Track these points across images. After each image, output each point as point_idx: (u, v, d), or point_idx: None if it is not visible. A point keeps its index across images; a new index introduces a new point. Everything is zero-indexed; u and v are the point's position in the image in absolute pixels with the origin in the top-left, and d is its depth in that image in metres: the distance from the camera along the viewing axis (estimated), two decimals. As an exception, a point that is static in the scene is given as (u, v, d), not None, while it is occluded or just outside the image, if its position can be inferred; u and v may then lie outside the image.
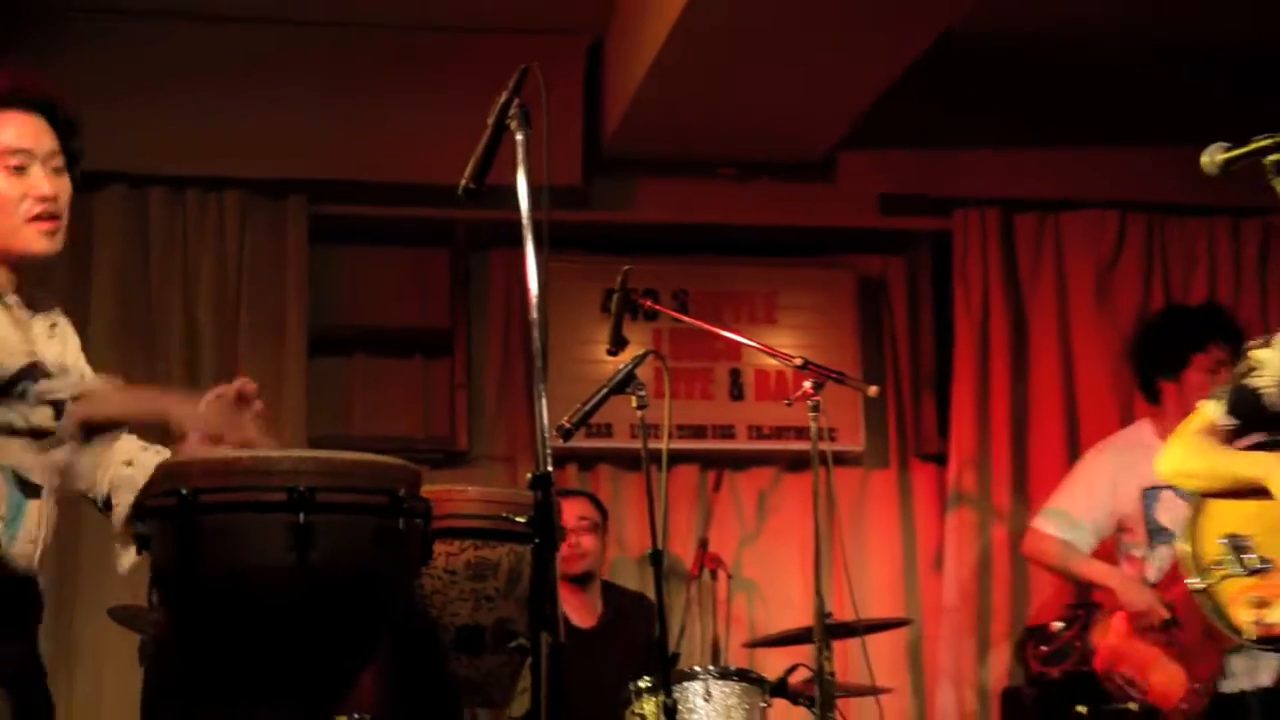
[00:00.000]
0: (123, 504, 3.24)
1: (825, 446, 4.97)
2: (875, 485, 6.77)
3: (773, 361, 5.93)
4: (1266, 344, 3.83)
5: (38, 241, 3.08)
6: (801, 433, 5.52)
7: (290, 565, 3.09)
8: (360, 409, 6.47)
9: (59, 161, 3.13)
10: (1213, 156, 3.17)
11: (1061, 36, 6.36)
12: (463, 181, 3.11)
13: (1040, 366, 6.66)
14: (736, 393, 6.65)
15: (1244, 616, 3.79)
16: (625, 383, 4.63)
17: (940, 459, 6.74)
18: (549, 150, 3.01)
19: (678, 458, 6.22)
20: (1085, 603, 5.72)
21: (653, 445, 4.76)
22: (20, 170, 3.05)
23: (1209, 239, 6.79)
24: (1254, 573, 3.79)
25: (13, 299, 3.09)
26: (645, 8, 5.87)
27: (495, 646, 3.96)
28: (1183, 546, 3.97)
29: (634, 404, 4.63)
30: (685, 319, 5.72)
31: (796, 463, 6.48)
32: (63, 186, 3.12)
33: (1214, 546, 3.86)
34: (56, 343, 3.22)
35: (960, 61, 6.00)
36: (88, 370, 3.30)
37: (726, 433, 6.61)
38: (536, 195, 2.97)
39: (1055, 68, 6.49)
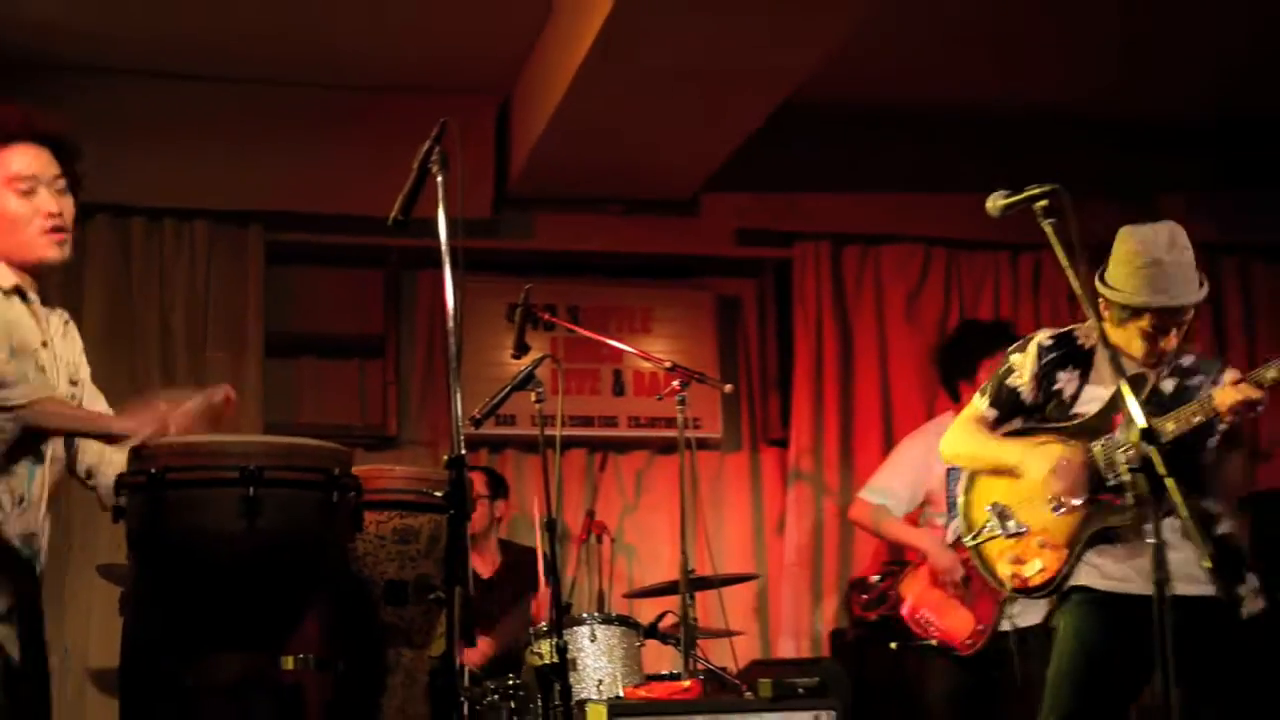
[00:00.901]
0: (107, 477, 3.23)
1: (690, 434, 5.08)
2: (730, 466, 6.81)
3: (647, 364, 5.97)
4: (1022, 349, 3.92)
5: (51, 250, 3.12)
6: (670, 422, 5.53)
7: (241, 531, 3.11)
8: (308, 402, 6.44)
9: (62, 184, 3.15)
10: (995, 202, 3.26)
11: (879, 104, 6.48)
12: (393, 214, 3.09)
13: (862, 369, 6.71)
14: (618, 389, 6.68)
15: (1004, 571, 3.85)
16: (526, 381, 4.69)
17: (783, 444, 6.77)
18: (463, 189, 3.02)
19: (569, 443, 6.18)
20: (897, 560, 5.77)
21: (549, 432, 4.84)
22: (29, 193, 3.08)
23: (995, 268, 6.87)
24: (1013, 536, 3.84)
25: (34, 297, 3.13)
26: (544, 74, 5.90)
27: (417, 598, 3.91)
28: (963, 515, 4.02)
29: (533, 399, 4.69)
30: (576, 329, 5.68)
31: (666, 447, 6.54)
32: (66, 204, 3.16)
33: (981, 514, 3.92)
34: (70, 341, 3.26)
35: (799, 122, 6.03)
36: (86, 368, 3.32)
37: (610, 422, 6.65)
38: (453, 226, 2.99)
39: (875, 128, 6.59)
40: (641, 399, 6.65)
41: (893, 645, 5.45)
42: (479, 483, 5.76)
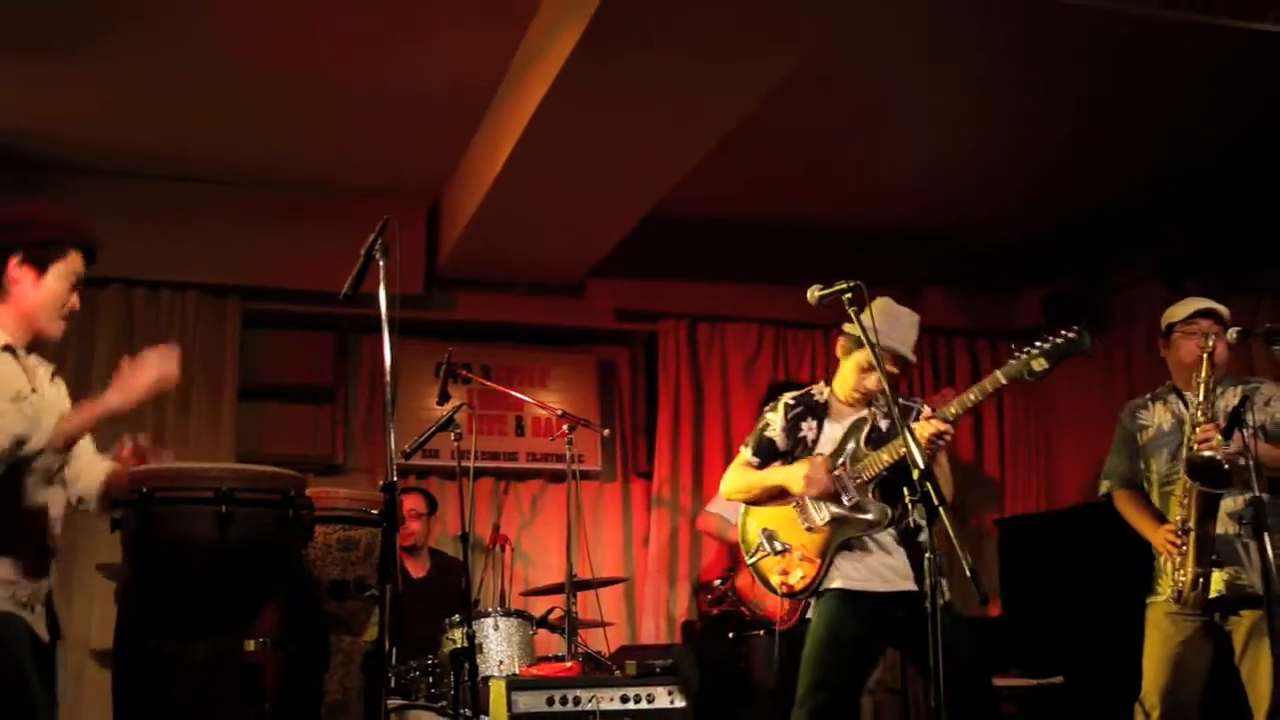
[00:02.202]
0: (86, 492, 3.16)
1: (575, 467, 5.17)
2: (606, 492, 6.79)
3: (543, 412, 5.96)
4: (774, 408, 4.01)
5: (57, 330, 3.08)
6: (560, 458, 5.49)
7: (215, 540, 3.14)
8: (272, 437, 6.34)
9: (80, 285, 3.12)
10: (813, 293, 3.31)
11: (724, 214, 6.55)
12: (344, 289, 3.09)
13: (710, 419, 6.73)
14: (519, 431, 6.63)
15: (775, 580, 3.91)
16: (447, 424, 4.72)
17: (648, 476, 6.78)
18: (400, 271, 3.02)
19: (480, 473, 6.23)
20: (731, 567, 5.76)
21: (465, 464, 4.87)
22: (73, 289, 3.06)
23: (811, 343, 6.88)
24: (779, 553, 3.90)
25: (22, 354, 3.04)
26: (466, 185, 5.91)
27: (355, 594, 3.93)
28: (742, 540, 4.07)
29: (453, 437, 4.72)
30: (487, 383, 5.69)
31: (556, 477, 6.49)
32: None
33: (755, 536, 3.98)
34: (57, 387, 3.19)
35: (662, 227, 6.07)
36: (69, 406, 3.25)
37: (512, 457, 6.60)
38: (392, 300, 2.99)
39: (721, 233, 6.64)
40: (538, 439, 6.60)
41: (730, 634, 5.47)
42: (420, 503, 5.70)
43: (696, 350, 6.83)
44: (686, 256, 6.71)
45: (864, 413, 3.89)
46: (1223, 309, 3.99)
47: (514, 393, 5.65)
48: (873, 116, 5.50)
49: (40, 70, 5.04)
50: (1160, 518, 3.94)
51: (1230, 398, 3.94)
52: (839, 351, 3.96)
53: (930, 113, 5.47)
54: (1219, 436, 3.74)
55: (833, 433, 3.91)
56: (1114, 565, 4.23)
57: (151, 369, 3.04)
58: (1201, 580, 3.73)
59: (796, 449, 3.94)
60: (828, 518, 3.82)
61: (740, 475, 4.03)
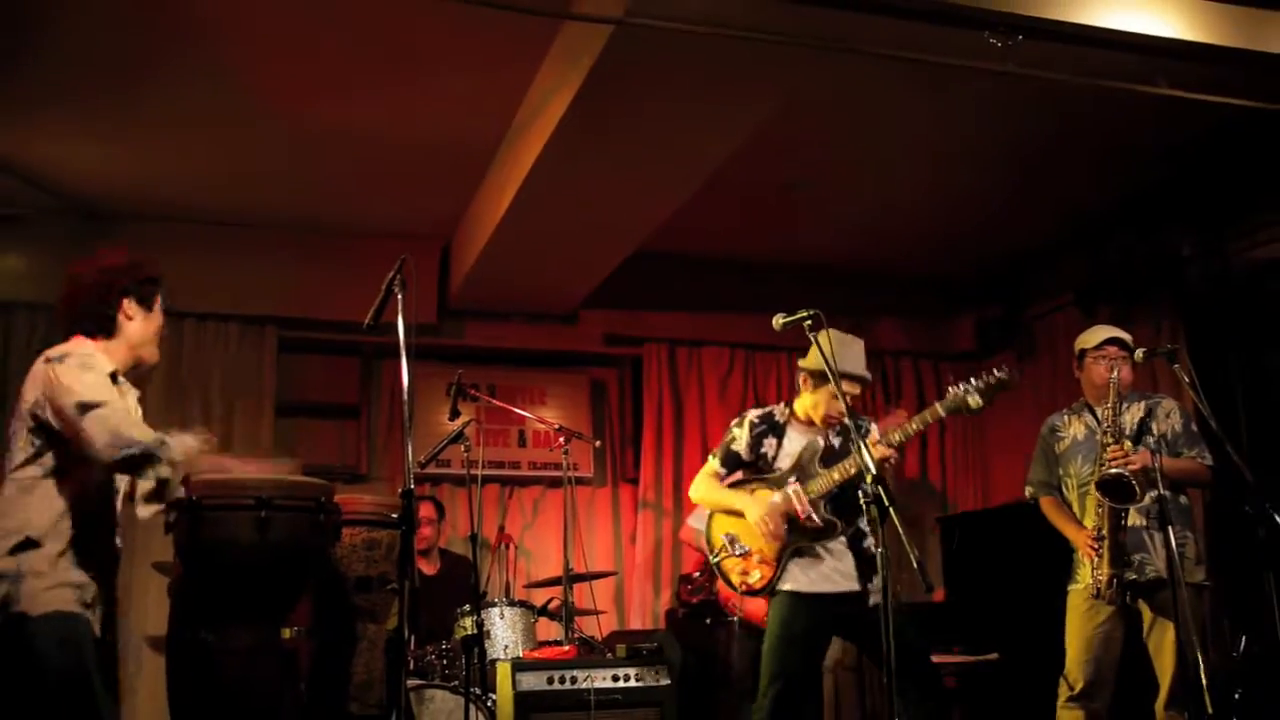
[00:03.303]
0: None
1: (571, 474, 5.15)
2: (598, 497, 6.76)
3: (542, 426, 5.90)
4: (740, 424, 3.99)
5: (154, 357, 3.10)
6: (558, 467, 5.50)
7: (255, 541, 3.13)
8: (304, 449, 6.29)
9: None
10: (778, 320, 3.32)
11: (702, 251, 6.55)
12: (367, 320, 3.09)
13: (689, 432, 6.70)
14: (522, 443, 6.61)
15: (736, 579, 3.90)
16: (458, 437, 4.71)
17: (635, 482, 6.74)
18: (416, 303, 3.02)
19: (487, 480, 6.20)
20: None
21: (474, 472, 4.86)
22: (163, 324, 3.08)
23: (778, 364, 6.85)
24: (741, 555, 3.88)
25: (121, 379, 3.04)
26: (473, 228, 5.90)
27: (378, 588, 3.93)
28: (706, 540, 4.02)
29: (463, 449, 4.72)
30: (494, 401, 5.67)
31: (554, 483, 6.47)
32: None
33: (719, 539, 3.94)
34: (139, 408, 3.19)
35: (646, 263, 6.10)
36: None
37: (515, 466, 6.57)
38: (409, 329, 2.97)
39: (698, 268, 6.67)
40: (538, 450, 6.59)
41: (708, 621, 5.46)
42: (430, 510, 5.67)
43: (677, 371, 6.82)
44: (667, 289, 6.72)
45: (819, 433, 3.90)
46: (1127, 336, 4.05)
47: (516, 409, 5.63)
48: (826, 170, 5.54)
49: (107, 131, 5.07)
50: (1079, 522, 3.99)
51: (1136, 411, 4.01)
52: (802, 384, 3.93)
53: (875, 167, 5.52)
54: (1129, 445, 3.81)
55: (791, 448, 3.91)
56: (1041, 556, 4.24)
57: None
58: (1115, 580, 3.79)
59: (759, 461, 3.95)
60: (785, 534, 3.83)
61: (708, 486, 4.00)
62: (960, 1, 3.67)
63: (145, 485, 3.12)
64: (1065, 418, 4.17)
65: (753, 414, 4.03)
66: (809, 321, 3.26)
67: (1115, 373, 3.88)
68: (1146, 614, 3.86)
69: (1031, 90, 4.17)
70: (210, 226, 6.04)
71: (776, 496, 3.84)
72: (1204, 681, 3.40)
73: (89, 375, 2.84)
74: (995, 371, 3.57)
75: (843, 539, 3.83)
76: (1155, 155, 5.28)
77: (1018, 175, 5.58)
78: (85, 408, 2.75)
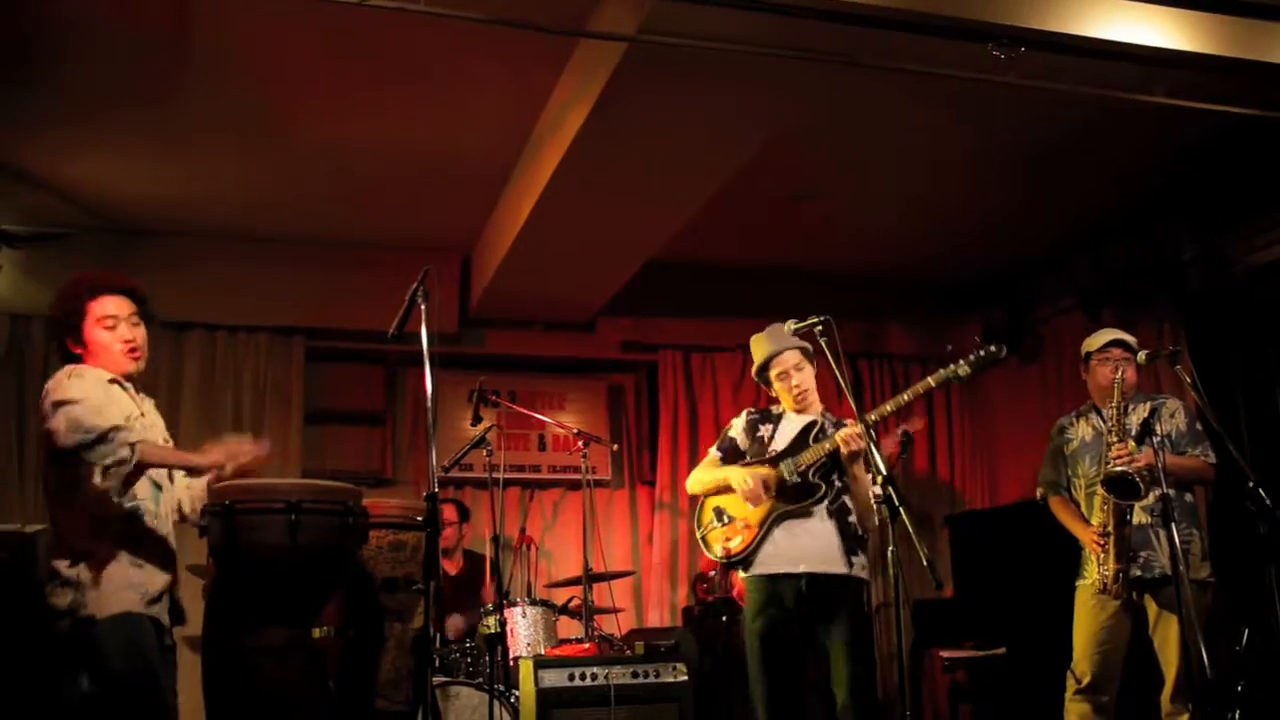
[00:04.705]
0: (187, 504, 3.22)
1: (589, 477, 5.13)
2: (616, 499, 6.78)
3: (561, 431, 5.88)
4: (738, 416, 3.98)
5: (129, 364, 3.08)
6: (577, 469, 5.43)
7: (286, 544, 3.07)
8: (332, 454, 6.34)
9: (136, 319, 3.11)
10: (789, 325, 3.39)
11: (713, 259, 6.54)
12: (391, 329, 3.11)
13: (704, 434, 6.65)
14: (542, 447, 6.63)
15: (718, 548, 3.79)
16: (480, 442, 4.71)
17: (651, 484, 6.76)
18: (438, 313, 3.09)
19: (509, 483, 6.24)
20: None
21: (495, 476, 4.85)
22: (111, 328, 3.05)
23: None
24: (726, 524, 3.80)
25: (128, 385, 3.08)
26: (493, 241, 5.93)
27: (405, 588, 3.83)
28: (697, 520, 3.95)
29: (485, 453, 4.71)
30: (515, 407, 5.64)
31: (574, 485, 6.45)
32: (139, 333, 3.11)
33: (708, 515, 3.87)
34: (157, 415, 3.22)
35: (660, 272, 6.10)
36: (167, 435, 3.26)
37: (536, 469, 6.59)
38: (432, 338, 3.00)
39: (710, 275, 6.67)
40: (557, 454, 6.61)
41: (724, 618, 5.45)
42: (453, 512, 5.67)
43: (691, 376, 6.82)
44: (682, 296, 6.72)
45: (814, 418, 3.86)
46: (1131, 338, 4.04)
47: (536, 415, 5.65)
48: (835, 180, 5.54)
49: (140, 150, 5.11)
50: (1086, 520, 3.98)
51: (1141, 411, 4.00)
52: (768, 391, 3.95)
53: (882, 175, 5.51)
54: (1133, 444, 3.80)
55: (786, 431, 3.87)
56: (1048, 553, 4.22)
57: (246, 450, 3.06)
58: (1121, 575, 3.79)
59: (755, 446, 3.90)
60: (767, 497, 3.76)
61: (704, 471, 3.95)
62: (964, 16, 3.68)
63: (178, 499, 3.16)
64: (1073, 420, 4.17)
65: (750, 409, 4.05)
66: (819, 326, 3.27)
67: (1120, 374, 3.87)
68: (1152, 609, 3.85)
69: (1034, 99, 4.17)
70: (240, 241, 6.08)
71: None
72: (1208, 675, 3.38)
73: (74, 380, 2.90)
74: (990, 347, 3.56)
75: (826, 512, 3.74)
76: (1157, 161, 5.26)
77: (1021, 182, 5.57)
78: (57, 405, 2.82)
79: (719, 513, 3.88)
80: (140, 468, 2.92)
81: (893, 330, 6.99)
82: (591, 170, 4.67)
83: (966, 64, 3.79)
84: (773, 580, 3.69)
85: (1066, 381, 6.15)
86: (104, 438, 2.78)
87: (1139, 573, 3.81)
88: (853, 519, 3.74)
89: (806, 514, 3.71)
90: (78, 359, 3.06)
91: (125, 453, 2.81)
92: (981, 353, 3.56)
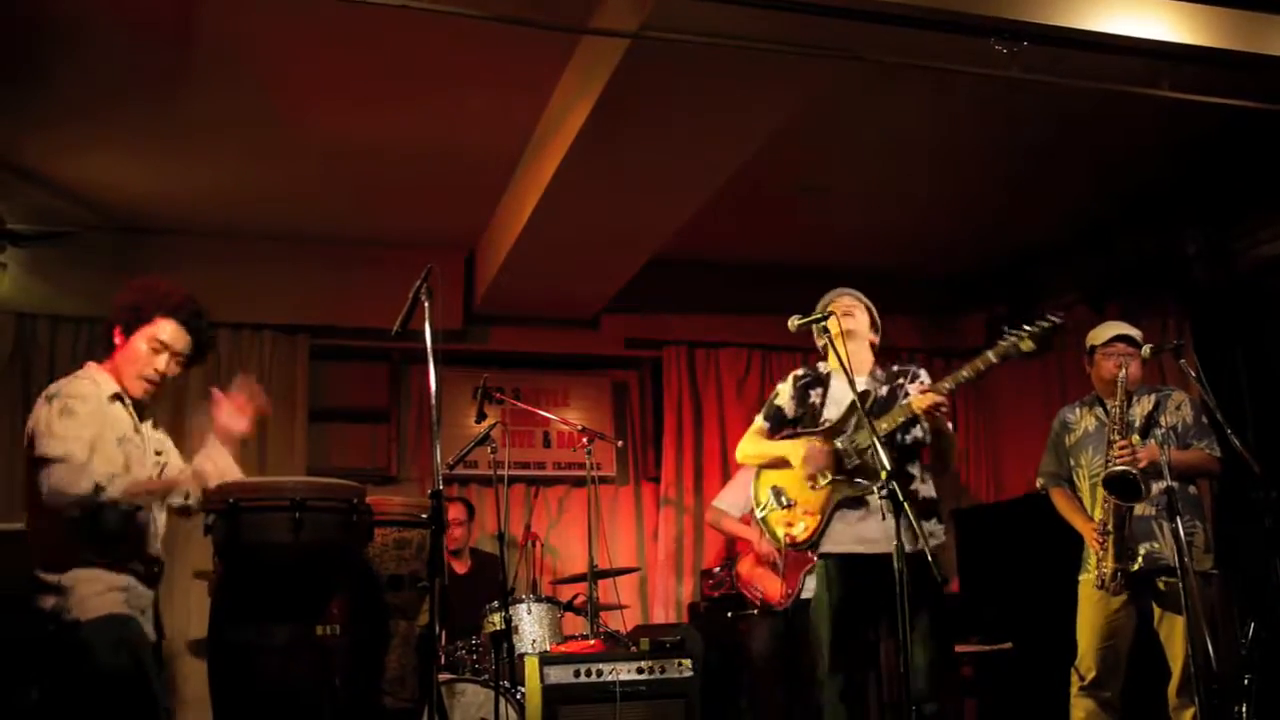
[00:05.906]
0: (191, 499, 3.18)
1: (594, 474, 5.15)
2: (621, 495, 6.75)
3: (566, 427, 5.92)
4: (785, 381, 3.87)
5: (139, 390, 3.06)
6: (581, 466, 5.46)
7: (291, 542, 3.08)
8: (337, 452, 6.32)
9: (183, 357, 3.08)
10: (793, 322, 3.37)
11: (716, 256, 6.51)
12: (395, 326, 3.10)
13: (708, 431, 6.68)
14: (546, 444, 6.59)
15: (780, 533, 3.72)
16: (484, 439, 4.71)
17: (656, 480, 6.72)
18: (442, 310, 3.05)
19: (513, 480, 6.25)
20: (730, 557, 5.77)
21: (500, 473, 4.87)
22: (156, 351, 3.03)
23: (793, 364, 6.39)
24: (786, 507, 3.70)
25: (128, 401, 3.06)
26: (497, 238, 5.92)
27: (409, 586, 3.84)
28: (754, 497, 3.84)
29: (490, 450, 4.72)
30: (518, 404, 5.66)
31: (578, 482, 6.45)
32: (174, 371, 3.08)
33: (765, 494, 3.76)
34: (160, 431, 3.21)
35: (663, 268, 6.08)
36: (169, 444, 3.25)
37: (540, 466, 6.56)
38: (436, 334, 2.98)
39: (714, 271, 6.63)
40: (562, 450, 6.57)
41: (729, 614, 5.44)
42: (461, 511, 5.66)
43: (695, 372, 6.80)
44: (685, 293, 6.70)
45: (866, 384, 3.71)
46: (1135, 332, 4.03)
47: (540, 411, 5.63)
48: (838, 174, 5.53)
49: (144, 149, 5.11)
50: (1087, 513, 3.98)
51: (1146, 404, 4.00)
52: (825, 350, 3.75)
53: (885, 170, 5.50)
54: (1137, 439, 3.79)
55: (838, 396, 3.71)
56: (1053, 547, 4.22)
57: (244, 407, 3.07)
58: (1119, 573, 3.79)
59: (805, 415, 3.77)
60: (829, 478, 3.66)
61: (752, 442, 3.83)
62: (966, 10, 3.67)
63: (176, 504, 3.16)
64: (1077, 410, 4.17)
65: (798, 370, 3.88)
66: (822, 323, 3.30)
67: (1123, 369, 3.87)
68: (1157, 603, 3.84)
69: (1038, 93, 4.16)
70: (244, 240, 6.08)
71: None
72: (1213, 668, 3.37)
73: (65, 422, 2.86)
74: (1051, 317, 3.44)
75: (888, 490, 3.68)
76: (1161, 155, 5.25)
77: (1026, 176, 5.55)
78: (42, 462, 2.81)
79: (777, 493, 3.74)
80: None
81: (897, 324, 6.91)
82: (595, 167, 4.67)
83: (970, 58, 3.79)
84: (844, 560, 3.60)
85: (1071, 376, 6.11)
86: (84, 503, 2.79)
87: (1136, 568, 3.81)
88: (916, 485, 3.61)
89: (869, 494, 3.58)
90: (110, 350, 3.05)
91: (108, 506, 2.83)
92: (1044, 323, 3.42)
